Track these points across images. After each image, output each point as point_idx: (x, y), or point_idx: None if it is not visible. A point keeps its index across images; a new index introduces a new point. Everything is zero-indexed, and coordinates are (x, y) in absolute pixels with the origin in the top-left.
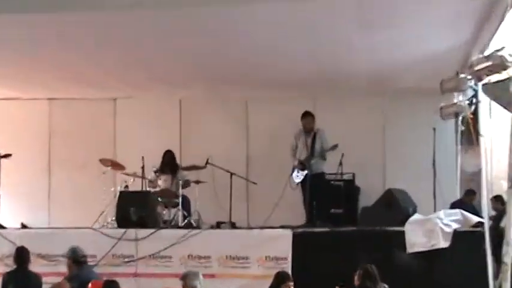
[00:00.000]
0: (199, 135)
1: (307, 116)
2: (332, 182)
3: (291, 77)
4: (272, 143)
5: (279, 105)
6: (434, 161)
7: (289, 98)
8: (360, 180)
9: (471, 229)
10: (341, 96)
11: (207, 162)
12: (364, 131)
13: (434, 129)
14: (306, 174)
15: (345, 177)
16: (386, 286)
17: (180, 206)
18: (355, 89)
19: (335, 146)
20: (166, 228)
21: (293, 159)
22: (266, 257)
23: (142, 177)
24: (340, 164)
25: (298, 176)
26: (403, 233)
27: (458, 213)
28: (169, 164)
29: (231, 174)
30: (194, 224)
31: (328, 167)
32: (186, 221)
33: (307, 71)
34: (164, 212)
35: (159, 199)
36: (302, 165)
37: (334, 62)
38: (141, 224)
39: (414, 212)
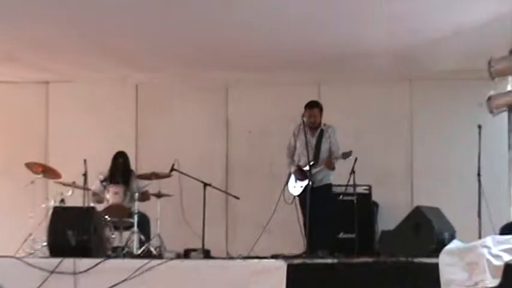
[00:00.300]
0: (162, 133)
1: (312, 106)
2: (341, 197)
3: (288, 55)
4: (260, 143)
5: (270, 92)
6: (479, 169)
7: (284, 82)
8: (379, 195)
9: None
10: (354, 82)
11: (172, 169)
12: (384, 128)
13: (479, 126)
14: (307, 185)
15: (359, 190)
16: None
17: (135, 228)
18: (374, 72)
19: (348, 154)
20: (117, 257)
21: (290, 164)
22: None
23: (84, 188)
24: (353, 172)
25: (296, 188)
26: (436, 266)
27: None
28: (121, 170)
29: (205, 184)
30: (154, 252)
31: (337, 176)
32: (143, 247)
33: (310, 46)
34: (113, 235)
35: (107, 218)
36: (302, 173)
37: (347, 33)
38: (82, 251)
39: (452, 238)
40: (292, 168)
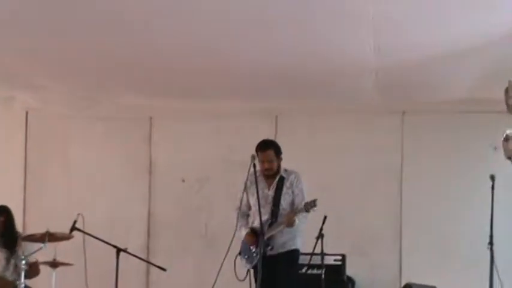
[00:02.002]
0: (60, 178)
1: (265, 148)
2: (304, 270)
3: (234, 79)
4: (194, 195)
5: (209, 126)
6: (491, 236)
7: (228, 112)
8: (356, 267)
9: None
10: (323, 112)
11: (73, 227)
12: (364, 176)
13: (492, 177)
14: (264, 253)
15: (329, 260)
16: None
17: None
18: (353, 100)
19: (311, 204)
20: None
21: (240, 225)
22: None
23: None
24: (320, 236)
25: (250, 259)
26: None
27: None
28: (0, 231)
29: (119, 250)
30: None
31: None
32: None
33: (264, 65)
34: None
35: None
36: (255, 238)
37: (322, 50)
38: None
39: None
40: (243, 231)
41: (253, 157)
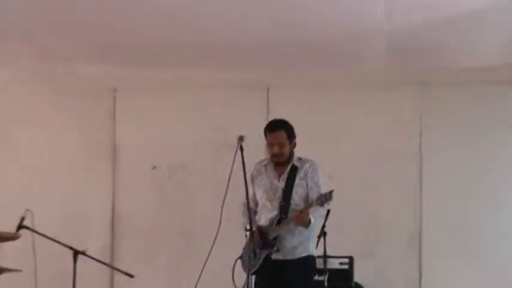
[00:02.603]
0: (3, 164)
1: (276, 128)
2: None
3: (217, 44)
4: (169, 186)
5: (187, 99)
6: None
7: (210, 83)
8: (366, 272)
9: None
10: (327, 86)
11: (20, 225)
12: (376, 160)
13: None
14: (268, 255)
15: (333, 264)
16: None
17: None
18: (361, 72)
19: (326, 197)
20: None
21: (243, 222)
22: None
23: None
24: (323, 234)
25: (254, 262)
26: None
27: None
28: None
29: (76, 252)
30: None
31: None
32: None
33: (259, 28)
34: None
35: None
36: (264, 240)
37: (325, 10)
38: None
39: None
40: (249, 228)
41: (240, 138)
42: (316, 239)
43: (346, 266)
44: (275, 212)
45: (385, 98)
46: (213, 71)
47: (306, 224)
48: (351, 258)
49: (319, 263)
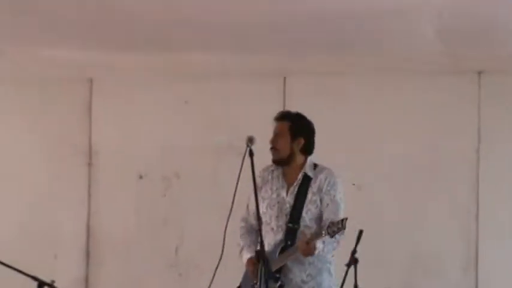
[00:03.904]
0: None
1: (280, 118)
2: None
3: (219, 24)
4: (162, 198)
5: (182, 90)
6: None
7: (211, 71)
8: None
9: None
10: (360, 73)
11: None
12: (421, 165)
13: None
14: None
15: None
16: None
17: None
18: (404, 57)
19: (338, 227)
20: None
21: (242, 246)
22: None
23: None
24: (353, 261)
25: None
26: None
27: None
28: None
29: (41, 284)
30: None
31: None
32: None
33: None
34: None
35: None
36: (266, 270)
37: None
38: None
39: None
40: (245, 256)
41: (249, 140)
42: (333, 271)
43: None
44: (280, 236)
45: (432, 88)
46: (215, 55)
47: (311, 254)
48: None
49: None
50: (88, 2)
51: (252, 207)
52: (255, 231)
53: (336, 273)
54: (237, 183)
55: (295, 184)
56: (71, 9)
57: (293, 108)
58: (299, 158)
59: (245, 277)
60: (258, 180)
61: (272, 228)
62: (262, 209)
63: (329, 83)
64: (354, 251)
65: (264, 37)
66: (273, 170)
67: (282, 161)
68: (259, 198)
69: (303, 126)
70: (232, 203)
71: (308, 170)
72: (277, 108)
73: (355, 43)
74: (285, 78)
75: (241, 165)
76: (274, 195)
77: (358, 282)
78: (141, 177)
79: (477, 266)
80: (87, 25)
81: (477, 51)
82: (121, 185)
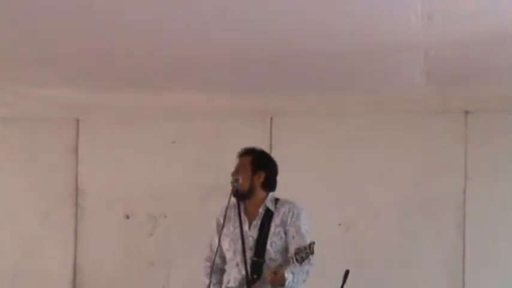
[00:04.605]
0: None
1: (242, 153)
2: None
3: (208, 62)
4: (149, 238)
5: (169, 130)
6: None
7: (198, 111)
8: None
9: None
10: (346, 113)
11: None
12: (407, 205)
13: None
14: None
15: None
16: None
17: None
18: (390, 97)
19: (305, 251)
20: None
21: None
22: None
23: None
24: None
25: None
26: None
27: None
28: None
29: None
30: None
31: None
32: None
33: (259, 44)
34: None
35: None
36: None
37: (343, 22)
38: None
39: None
40: None
41: (235, 180)
42: None
43: None
44: (245, 271)
45: (419, 128)
46: (202, 95)
47: (282, 284)
48: None
49: None
50: (76, 42)
51: (215, 245)
52: (220, 270)
53: None
54: (223, 223)
55: (257, 218)
56: (59, 50)
57: (280, 147)
58: (260, 192)
59: None
60: (219, 217)
61: (237, 264)
62: (225, 246)
63: (316, 123)
64: None
65: (251, 77)
66: (234, 207)
67: (242, 195)
68: (223, 235)
69: (265, 161)
70: (219, 243)
71: (269, 203)
72: (264, 148)
73: (342, 84)
74: (271, 118)
75: (228, 204)
76: (237, 231)
77: None
78: (127, 217)
79: None
80: (74, 64)
81: (464, 91)
82: (108, 225)
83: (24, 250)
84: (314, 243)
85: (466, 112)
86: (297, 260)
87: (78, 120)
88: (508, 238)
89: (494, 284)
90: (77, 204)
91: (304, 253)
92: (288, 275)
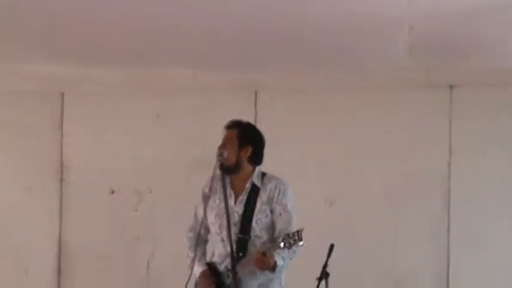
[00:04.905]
0: None
1: (229, 126)
2: None
3: (194, 37)
4: (134, 212)
5: (153, 104)
6: None
7: (182, 85)
8: None
9: None
10: (333, 89)
11: None
12: (391, 180)
13: None
14: None
15: None
16: None
17: None
18: (374, 72)
19: (294, 237)
20: None
21: (192, 262)
22: None
23: None
24: (324, 276)
25: None
26: None
27: None
28: None
29: None
30: None
31: (291, 283)
32: None
33: (247, 19)
34: None
35: None
36: (214, 281)
37: None
38: None
39: None
40: (197, 271)
41: (220, 153)
42: (283, 281)
43: None
44: (230, 248)
45: (402, 103)
46: (187, 69)
47: (271, 268)
48: None
49: None
50: (59, 16)
51: (200, 215)
52: (203, 241)
53: (287, 285)
54: (210, 194)
55: (243, 193)
56: (42, 22)
57: (265, 122)
58: (247, 167)
59: None
60: (205, 189)
61: (222, 239)
62: (210, 219)
63: (300, 98)
64: (325, 265)
65: (236, 51)
66: (221, 178)
67: (229, 169)
68: (208, 208)
69: (252, 135)
70: (204, 218)
71: (256, 179)
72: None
73: (326, 59)
74: (256, 92)
75: (212, 178)
76: (223, 205)
77: None
78: (113, 192)
79: (448, 281)
80: (58, 38)
81: (449, 65)
82: (93, 200)
83: (10, 224)
84: (303, 229)
85: (451, 86)
86: (285, 246)
87: (63, 94)
88: (492, 212)
89: (479, 257)
90: (61, 179)
91: (293, 239)
92: (279, 261)
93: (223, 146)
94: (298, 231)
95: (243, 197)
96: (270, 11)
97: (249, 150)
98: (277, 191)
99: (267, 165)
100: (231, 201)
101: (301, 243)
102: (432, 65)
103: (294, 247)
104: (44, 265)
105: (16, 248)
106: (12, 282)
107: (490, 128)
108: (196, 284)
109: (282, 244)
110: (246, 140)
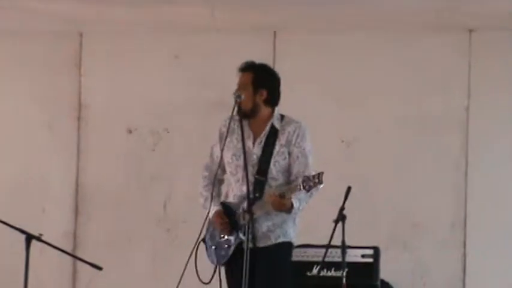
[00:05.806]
0: None
1: (244, 69)
2: (317, 270)
3: None
4: (151, 152)
5: (171, 45)
6: None
7: (200, 26)
8: (395, 266)
9: None
10: (350, 29)
11: None
12: (409, 126)
13: None
14: (240, 242)
15: (354, 257)
16: None
17: None
18: (393, 12)
19: (314, 181)
20: None
21: (206, 201)
22: None
23: None
24: (341, 218)
25: (218, 251)
26: None
27: None
28: None
29: (29, 237)
30: None
31: (308, 225)
32: None
33: None
34: None
35: None
36: (228, 221)
37: None
38: None
39: None
40: (212, 210)
41: (238, 96)
42: (297, 221)
43: (370, 259)
44: (246, 189)
45: (421, 46)
46: (206, 9)
47: (287, 210)
48: (376, 250)
49: (337, 255)
50: None
51: (217, 155)
52: (219, 180)
53: (297, 225)
54: (225, 139)
55: (262, 135)
56: None
57: (283, 62)
58: (264, 110)
59: (211, 230)
60: (222, 128)
61: (238, 180)
62: (227, 159)
63: (318, 39)
64: (342, 208)
65: None
66: (239, 120)
67: (246, 114)
68: (225, 148)
69: (266, 77)
70: (220, 159)
71: (275, 121)
72: (267, 62)
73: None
74: (275, 32)
75: (230, 121)
76: (240, 145)
77: (346, 239)
78: (130, 131)
79: (465, 222)
80: None
81: (468, 9)
82: (110, 139)
83: (27, 162)
84: (323, 173)
85: (470, 30)
86: (304, 188)
87: (81, 34)
88: (510, 157)
89: (496, 201)
90: (79, 118)
91: (313, 182)
92: (295, 203)
93: (238, 91)
94: (319, 174)
95: (262, 139)
96: None
97: (264, 93)
98: (295, 134)
99: (285, 105)
100: (249, 142)
101: (321, 186)
102: (452, 7)
103: (313, 190)
104: (61, 203)
105: (33, 187)
106: (29, 220)
107: (509, 72)
108: (209, 223)
109: (301, 186)
110: (260, 84)
